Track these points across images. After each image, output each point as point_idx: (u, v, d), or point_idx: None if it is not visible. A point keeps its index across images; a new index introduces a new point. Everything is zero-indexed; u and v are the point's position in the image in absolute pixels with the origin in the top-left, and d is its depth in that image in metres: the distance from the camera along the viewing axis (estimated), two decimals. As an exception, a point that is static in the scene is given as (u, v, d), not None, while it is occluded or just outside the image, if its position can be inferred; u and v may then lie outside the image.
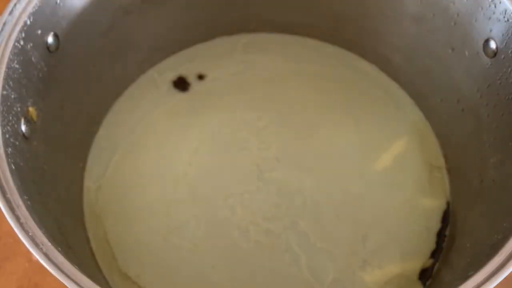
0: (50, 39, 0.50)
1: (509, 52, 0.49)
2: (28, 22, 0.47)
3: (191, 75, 0.68)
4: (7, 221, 0.39)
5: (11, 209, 0.40)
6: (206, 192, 0.60)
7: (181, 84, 0.68)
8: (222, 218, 0.59)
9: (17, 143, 0.44)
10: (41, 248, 0.38)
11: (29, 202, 0.41)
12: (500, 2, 0.49)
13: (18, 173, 0.42)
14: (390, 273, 0.56)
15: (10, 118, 0.44)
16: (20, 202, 0.40)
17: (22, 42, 0.46)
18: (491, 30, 0.51)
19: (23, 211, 0.40)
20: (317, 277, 0.56)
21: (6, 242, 0.61)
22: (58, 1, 0.50)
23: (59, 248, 0.39)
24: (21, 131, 0.46)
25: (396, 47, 0.65)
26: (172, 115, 0.65)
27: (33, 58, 0.48)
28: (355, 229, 0.58)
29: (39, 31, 0.48)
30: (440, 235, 0.59)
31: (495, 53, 0.51)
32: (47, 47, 0.50)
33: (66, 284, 0.37)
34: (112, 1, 0.57)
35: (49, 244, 0.39)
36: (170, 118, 0.65)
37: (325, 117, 0.65)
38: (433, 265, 0.57)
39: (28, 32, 0.47)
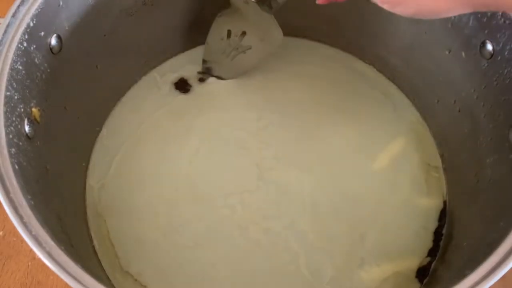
0: (53, 41, 0.50)
1: (506, 53, 0.49)
2: (31, 24, 0.47)
3: (192, 77, 0.69)
4: (10, 220, 0.39)
5: (15, 208, 0.40)
6: (206, 191, 0.61)
7: (182, 85, 0.68)
8: (222, 217, 0.59)
9: (20, 143, 0.45)
10: (44, 247, 0.39)
11: (32, 202, 0.41)
12: (497, 4, 0.49)
13: (22, 173, 0.43)
14: (388, 271, 0.56)
15: (14, 118, 0.45)
16: (24, 202, 0.40)
17: (25, 44, 0.47)
18: (487, 32, 0.51)
19: (26, 210, 0.40)
20: (316, 275, 0.56)
21: (9, 241, 0.61)
22: (61, 3, 0.51)
23: (62, 247, 0.39)
24: (25, 131, 0.46)
25: (393, 48, 0.65)
26: (174, 116, 0.66)
27: (36, 60, 0.49)
28: (353, 228, 0.59)
29: (42, 33, 0.49)
30: (437, 234, 0.59)
31: (491, 55, 0.51)
32: (50, 48, 0.50)
33: (68, 282, 0.38)
34: (113, 4, 0.58)
35: (52, 242, 0.39)
36: (172, 119, 0.66)
37: (323, 118, 0.66)
38: (430, 263, 0.57)
39: (31, 34, 0.47)
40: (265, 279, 0.56)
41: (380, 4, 0.41)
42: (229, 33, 0.65)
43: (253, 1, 0.60)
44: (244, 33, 0.64)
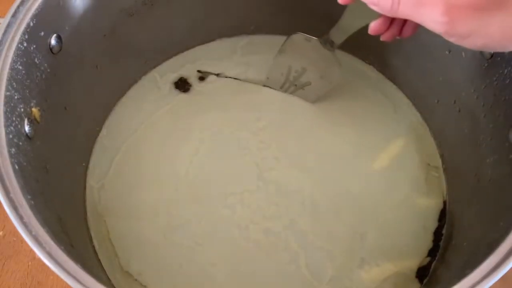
0: (53, 41, 0.50)
1: (506, 53, 0.49)
2: (31, 24, 0.47)
3: (192, 76, 0.69)
4: (10, 220, 0.39)
5: (15, 208, 0.40)
6: (206, 191, 0.61)
7: (182, 85, 0.68)
8: (222, 217, 0.59)
9: (20, 143, 0.45)
10: (44, 247, 0.39)
11: (32, 202, 0.41)
12: (496, 4, 0.49)
13: (22, 173, 0.43)
14: (388, 271, 0.56)
15: (14, 118, 0.45)
16: (23, 202, 0.41)
17: (25, 44, 0.47)
18: (487, 32, 0.51)
19: (26, 210, 0.40)
20: (316, 275, 0.56)
21: (9, 241, 0.61)
22: (61, 3, 0.51)
23: (62, 247, 0.39)
24: (25, 131, 0.46)
25: (394, 48, 0.65)
26: (174, 116, 0.66)
27: (36, 60, 0.49)
28: (353, 228, 0.59)
29: (42, 33, 0.49)
30: (437, 233, 0.59)
31: (491, 55, 0.51)
32: (50, 48, 0.50)
33: (68, 282, 0.38)
34: (113, 3, 0.58)
35: (52, 242, 0.39)
36: (172, 119, 0.66)
37: (323, 117, 0.66)
38: (430, 263, 0.57)
39: (31, 34, 0.47)
40: (265, 279, 0.56)
41: (447, 38, 0.40)
42: (289, 69, 0.65)
43: (315, 39, 0.60)
44: (304, 70, 0.64)
